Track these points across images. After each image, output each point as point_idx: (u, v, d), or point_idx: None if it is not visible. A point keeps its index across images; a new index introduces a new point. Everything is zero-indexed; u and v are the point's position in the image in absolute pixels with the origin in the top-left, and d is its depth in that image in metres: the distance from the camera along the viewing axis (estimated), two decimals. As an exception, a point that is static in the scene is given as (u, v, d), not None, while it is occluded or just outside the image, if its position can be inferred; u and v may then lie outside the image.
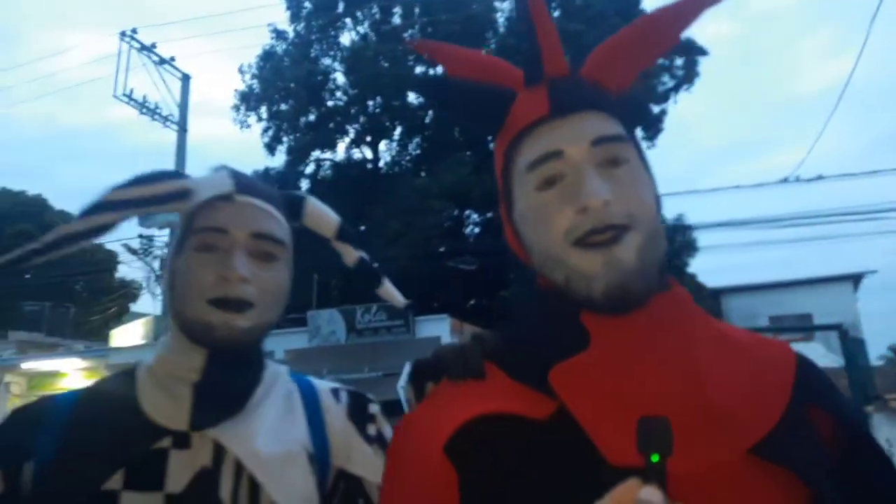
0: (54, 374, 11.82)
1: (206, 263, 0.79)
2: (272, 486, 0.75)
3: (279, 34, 19.43)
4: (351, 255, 0.93)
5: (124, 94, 11.57)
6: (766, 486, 0.56)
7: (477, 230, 18.77)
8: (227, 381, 0.79)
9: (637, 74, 0.69)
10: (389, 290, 0.96)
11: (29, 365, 11.98)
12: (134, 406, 0.77)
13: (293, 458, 0.79)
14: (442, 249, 15.74)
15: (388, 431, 0.92)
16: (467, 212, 18.03)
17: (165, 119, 12.11)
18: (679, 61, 17.40)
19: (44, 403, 0.80)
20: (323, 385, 0.92)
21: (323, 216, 0.92)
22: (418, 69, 19.04)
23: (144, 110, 11.84)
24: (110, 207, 0.77)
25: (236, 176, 0.85)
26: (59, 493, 0.71)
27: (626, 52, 0.68)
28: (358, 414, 0.90)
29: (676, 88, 17.36)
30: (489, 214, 17.76)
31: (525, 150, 0.66)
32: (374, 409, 0.92)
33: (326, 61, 19.47)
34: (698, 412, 0.57)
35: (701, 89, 18.51)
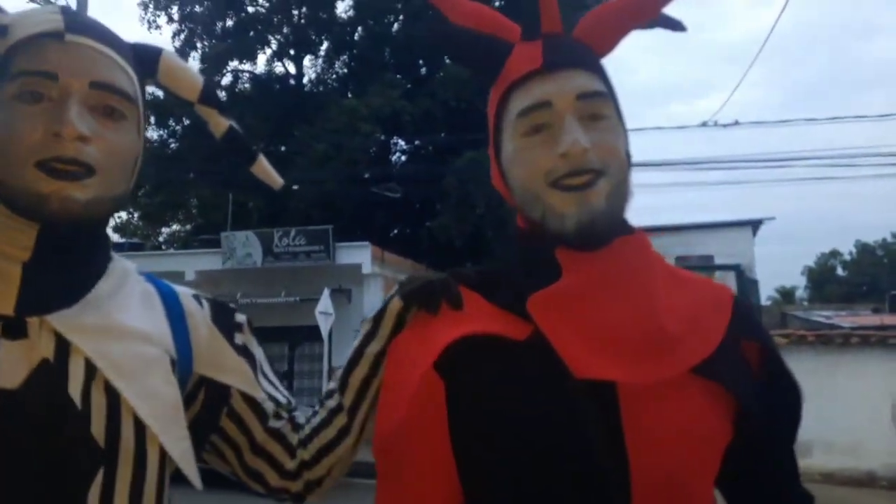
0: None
1: (32, 116, 0.64)
2: (131, 392, 0.66)
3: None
4: (218, 123, 0.80)
5: (11, -22, 10.24)
6: (703, 400, 0.70)
7: (404, 158, 18.53)
8: (65, 263, 0.68)
9: (619, 40, 0.79)
10: (264, 167, 0.84)
11: None
12: None
13: (154, 361, 0.70)
14: (368, 175, 15.43)
15: (254, 345, 0.86)
16: (395, 138, 17.67)
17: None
18: None
19: None
20: (183, 290, 0.83)
21: (183, 73, 0.79)
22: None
23: (35, -2, 10.57)
24: None
25: (69, 12, 0.70)
26: None
27: (614, 20, 0.77)
28: (224, 322, 0.83)
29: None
30: (417, 142, 17.52)
31: (516, 99, 0.74)
32: (240, 318, 0.85)
33: (248, -39, 17.96)
34: (650, 336, 0.69)
35: (639, 34, 18.61)
